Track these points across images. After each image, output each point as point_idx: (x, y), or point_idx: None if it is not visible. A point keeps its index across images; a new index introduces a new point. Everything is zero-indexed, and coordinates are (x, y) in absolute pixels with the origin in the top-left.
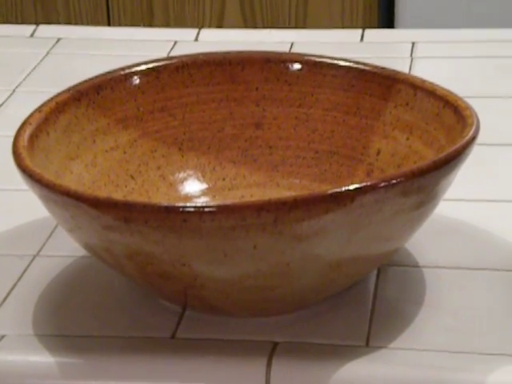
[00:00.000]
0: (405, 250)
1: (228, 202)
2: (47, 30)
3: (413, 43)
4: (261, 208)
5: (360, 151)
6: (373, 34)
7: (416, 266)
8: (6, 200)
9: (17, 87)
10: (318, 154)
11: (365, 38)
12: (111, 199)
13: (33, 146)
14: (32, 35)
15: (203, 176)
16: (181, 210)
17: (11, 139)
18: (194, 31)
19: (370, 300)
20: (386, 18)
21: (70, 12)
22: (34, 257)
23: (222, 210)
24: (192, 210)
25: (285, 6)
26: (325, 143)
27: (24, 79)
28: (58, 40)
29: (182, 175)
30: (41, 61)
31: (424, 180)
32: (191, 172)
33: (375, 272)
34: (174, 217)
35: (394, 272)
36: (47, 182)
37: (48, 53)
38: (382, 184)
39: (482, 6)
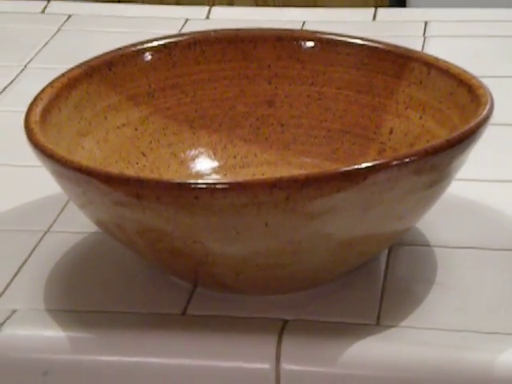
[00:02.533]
0: (416, 229)
1: (240, 179)
2: (58, 7)
3: (425, 22)
4: (273, 185)
5: (372, 130)
6: (385, 13)
7: (427, 245)
8: (17, 176)
9: (28, 63)
10: (330, 133)
11: (377, 17)
12: (123, 175)
13: (45, 122)
14: (43, 11)
15: (214, 154)
16: (193, 186)
17: (23, 114)
18: (205, 9)
19: (380, 279)
20: None
21: None
22: (46, 232)
23: (234, 187)
24: (204, 186)
25: None
26: (337, 122)
27: (35, 55)
28: (69, 16)
29: (193, 153)
30: (52, 37)
31: (437, 159)
32: (202, 149)
33: (386, 251)
34: (186, 193)
35: (405, 251)
36: (59, 158)
37: (59, 29)
38: (395, 162)
39: None
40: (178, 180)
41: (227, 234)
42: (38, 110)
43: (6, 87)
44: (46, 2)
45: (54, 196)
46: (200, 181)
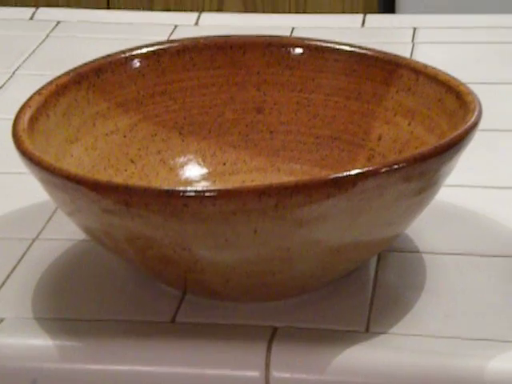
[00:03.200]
0: (405, 235)
1: (229, 186)
2: (47, 13)
3: (414, 28)
4: (262, 193)
5: (361, 137)
6: (374, 19)
7: (416, 251)
8: (5, 183)
9: (16, 70)
10: (319, 140)
11: (366, 23)
12: (112, 183)
13: (32, 129)
14: (32, 18)
15: (203, 161)
16: (181, 194)
17: (10, 122)
18: (195, 15)
19: (370, 286)
20: (387, 4)
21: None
22: (34, 240)
23: (223, 195)
24: (193, 194)
25: None
26: (326, 128)
27: (23, 62)
28: (58, 23)
29: (182, 160)
30: (40, 44)
31: (426, 165)
32: (191, 156)
33: (375, 258)
34: (175, 201)
35: (395, 258)
36: (47, 165)
37: (48, 36)
38: (384, 169)
39: None
40: (166, 187)
41: (216, 241)
42: (26, 117)
43: None
44: (34, 9)
45: (42, 203)
46: (189, 188)
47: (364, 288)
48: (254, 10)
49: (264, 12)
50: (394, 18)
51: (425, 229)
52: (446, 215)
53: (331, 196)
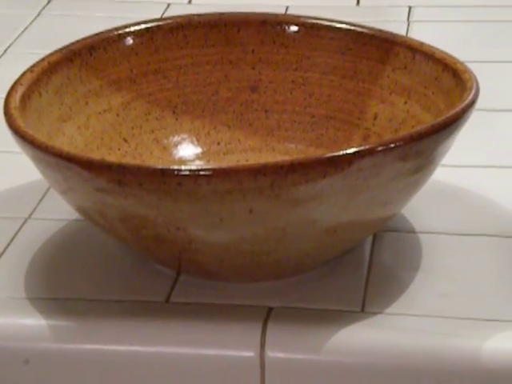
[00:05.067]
0: (401, 215)
1: (224, 165)
2: None
3: (409, 7)
4: (257, 172)
5: (357, 116)
6: None
7: (412, 231)
8: None
9: (8, 48)
10: (315, 119)
11: (361, 2)
12: (105, 161)
13: (24, 107)
14: None
15: (197, 140)
16: (176, 173)
17: (1, 100)
18: None
19: (365, 266)
20: None
21: None
22: (26, 219)
23: (218, 174)
24: (187, 173)
25: None
26: (321, 107)
27: (15, 40)
28: (50, 1)
29: (176, 139)
30: (32, 22)
31: (422, 144)
32: (185, 136)
33: (371, 238)
34: (169, 180)
35: (390, 238)
36: (40, 144)
37: (39, 14)
38: (380, 148)
39: None
40: (160, 166)
41: (211, 220)
42: (18, 95)
43: None
44: None
45: (35, 182)
46: (183, 167)
47: (359, 268)
48: None
49: None
50: None
51: (421, 209)
52: (443, 195)
53: (327, 175)
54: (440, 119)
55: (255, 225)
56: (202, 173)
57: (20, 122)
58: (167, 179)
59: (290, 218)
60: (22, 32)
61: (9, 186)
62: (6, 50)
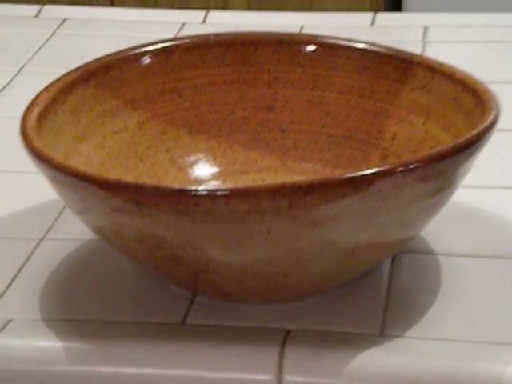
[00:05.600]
0: (420, 237)
1: (242, 185)
2: (52, 11)
3: (425, 27)
4: (276, 192)
5: (375, 136)
6: (384, 18)
7: (431, 253)
8: (12, 182)
9: (22, 68)
10: (332, 139)
11: (376, 22)
12: (122, 181)
13: (41, 127)
14: (37, 15)
15: (213, 159)
16: (193, 193)
17: (17, 120)
18: (202, 13)
19: (384, 288)
20: (393, 3)
21: None
22: (41, 240)
23: (236, 194)
24: (205, 193)
25: None
26: (338, 127)
27: (29, 60)
28: (64, 20)
29: (191, 158)
30: (46, 41)
31: (443, 165)
32: (201, 155)
33: (389, 259)
34: (187, 200)
35: (409, 259)
36: (56, 163)
37: (54, 33)
38: (400, 169)
39: None
40: (177, 187)
41: (228, 241)
42: (34, 114)
43: (0, 92)
44: (40, 6)
45: (50, 202)
46: (201, 187)
47: (378, 290)
48: (259, 9)
49: (269, 10)
50: (404, 16)
51: (440, 230)
52: (462, 216)
53: (346, 196)
54: (461, 139)
55: (273, 246)
56: (219, 193)
57: (36, 142)
58: (184, 199)
59: (309, 239)
60: (36, 52)
61: (23, 206)
62: (19, 71)
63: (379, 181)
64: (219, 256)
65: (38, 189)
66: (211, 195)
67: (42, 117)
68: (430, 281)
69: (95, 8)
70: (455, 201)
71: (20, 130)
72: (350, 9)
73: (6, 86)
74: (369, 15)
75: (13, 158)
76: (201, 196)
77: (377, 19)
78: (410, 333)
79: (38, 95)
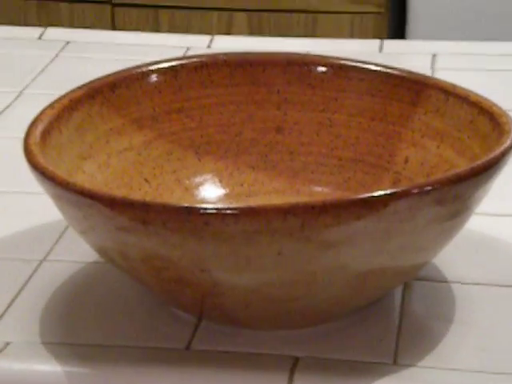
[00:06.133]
0: (432, 264)
1: (252, 204)
2: (56, 33)
3: (433, 54)
4: (287, 212)
5: (386, 159)
6: (391, 44)
7: (444, 281)
8: (13, 203)
9: (24, 89)
10: (342, 162)
11: (383, 49)
12: (128, 199)
13: (44, 144)
14: (40, 38)
15: (220, 181)
16: (202, 211)
17: (18, 140)
18: (207, 38)
19: (396, 316)
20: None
21: (74, 20)
22: (41, 261)
23: (247, 213)
24: (214, 211)
25: (293, 22)
26: (349, 150)
27: (32, 81)
28: (67, 43)
29: (198, 180)
30: (49, 63)
31: (460, 188)
32: (208, 177)
33: (401, 287)
34: (195, 219)
35: (422, 287)
36: (60, 180)
37: (56, 55)
38: (417, 190)
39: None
40: (186, 204)
41: (237, 262)
42: (38, 131)
43: (1, 113)
44: (43, 29)
45: (52, 224)
46: (210, 206)
47: (390, 318)
48: (260, 33)
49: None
50: (411, 43)
51: (452, 258)
52: (474, 244)
53: (361, 217)
54: (479, 162)
55: (284, 268)
56: (229, 212)
57: (40, 158)
58: (193, 218)
59: (321, 261)
60: (39, 74)
61: (24, 227)
62: (21, 92)
63: (395, 202)
64: (227, 278)
65: (40, 210)
66: (220, 214)
67: (46, 133)
68: (443, 309)
69: (98, 31)
70: (468, 228)
71: (23, 147)
72: (352, 37)
73: (9, 106)
74: (376, 42)
75: (14, 179)
76: (210, 214)
77: (384, 46)
78: (423, 362)
79: (42, 111)
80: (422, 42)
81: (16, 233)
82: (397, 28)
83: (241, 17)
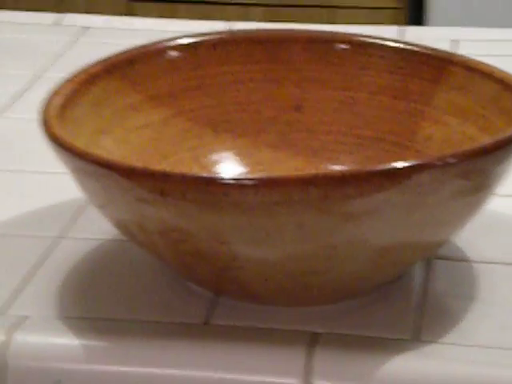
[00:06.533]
0: (453, 244)
1: (273, 175)
2: (76, 19)
3: (454, 41)
4: (308, 182)
5: (408, 137)
6: (412, 31)
7: (465, 260)
8: (31, 182)
9: (43, 73)
10: (361, 140)
11: (405, 36)
12: (147, 169)
13: (62, 117)
14: (59, 23)
15: (238, 159)
16: (221, 182)
17: (34, 122)
18: (224, 24)
19: (418, 293)
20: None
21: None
22: (60, 238)
23: (267, 184)
24: (233, 182)
25: (310, 17)
26: (369, 129)
27: (51, 66)
28: (86, 29)
29: (215, 158)
30: (68, 48)
31: (485, 161)
32: (226, 155)
33: (423, 265)
34: (214, 189)
35: (443, 266)
36: (78, 151)
37: (76, 41)
38: (441, 162)
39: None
40: (205, 175)
41: (256, 235)
42: (56, 104)
43: (20, 95)
44: (63, 14)
45: (68, 202)
46: (229, 176)
47: (412, 296)
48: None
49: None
50: (431, 29)
51: (473, 238)
52: (495, 224)
53: (383, 189)
54: (504, 135)
55: (304, 241)
56: (248, 182)
57: (58, 130)
58: (212, 188)
59: (342, 234)
60: (58, 58)
61: (42, 205)
62: (41, 75)
63: (418, 174)
64: (246, 251)
65: (57, 189)
66: (240, 184)
67: (64, 107)
68: (464, 287)
69: (117, 17)
70: (489, 209)
71: (41, 119)
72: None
73: (27, 90)
74: (396, 28)
75: (31, 159)
76: (229, 185)
77: (404, 32)
78: (444, 339)
79: (61, 85)
80: (442, 28)
81: (33, 211)
82: (414, 24)
83: (257, 11)
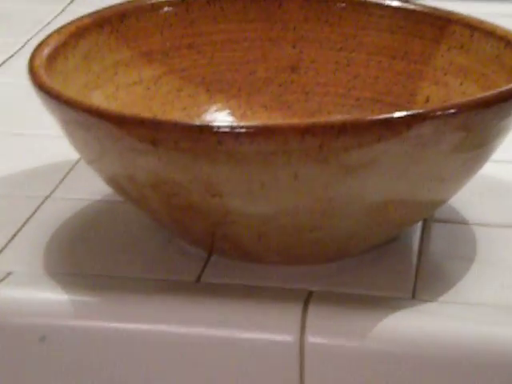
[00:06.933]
0: (451, 207)
1: (269, 123)
2: None
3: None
4: (305, 131)
5: (406, 99)
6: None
7: (464, 223)
8: (18, 144)
9: (29, 40)
10: (360, 102)
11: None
12: (138, 117)
13: (50, 68)
14: None
15: (232, 120)
16: (215, 130)
17: (19, 87)
18: None
19: (415, 254)
20: None
21: None
22: (46, 198)
23: (262, 132)
24: (228, 130)
25: None
26: (367, 90)
27: (36, 33)
28: None
29: (208, 118)
30: (55, 17)
31: (488, 112)
32: (219, 115)
33: (420, 227)
34: (208, 138)
35: (441, 228)
36: (67, 99)
37: (63, 10)
38: (442, 112)
39: None
40: (198, 122)
41: (251, 187)
42: (44, 54)
43: (5, 61)
44: None
45: (57, 164)
46: (223, 124)
47: (409, 256)
48: None
49: None
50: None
51: (471, 201)
52: (493, 188)
53: (383, 139)
54: (508, 87)
55: (299, 194)
56: (243, 130)
57: (45, 79)
58: (205, 137)
59: (339, 187)
60: (45, 26)
61: (28, 167)
62: (26, 42)
63: (419, 124)
64: (240, 205)
65: (44, 150)
66: (234, 132)
67: (52, 58)
68: (463, 249)
69: None
70: (488, 174)
71: (28, 69)
72: None
73: (12, 56)
74: None
75: (18, 121)
76: (223, 133)
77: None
78: (442, 297)
79: (48, 36)
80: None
81: (20, 172)
82: None
83: None
